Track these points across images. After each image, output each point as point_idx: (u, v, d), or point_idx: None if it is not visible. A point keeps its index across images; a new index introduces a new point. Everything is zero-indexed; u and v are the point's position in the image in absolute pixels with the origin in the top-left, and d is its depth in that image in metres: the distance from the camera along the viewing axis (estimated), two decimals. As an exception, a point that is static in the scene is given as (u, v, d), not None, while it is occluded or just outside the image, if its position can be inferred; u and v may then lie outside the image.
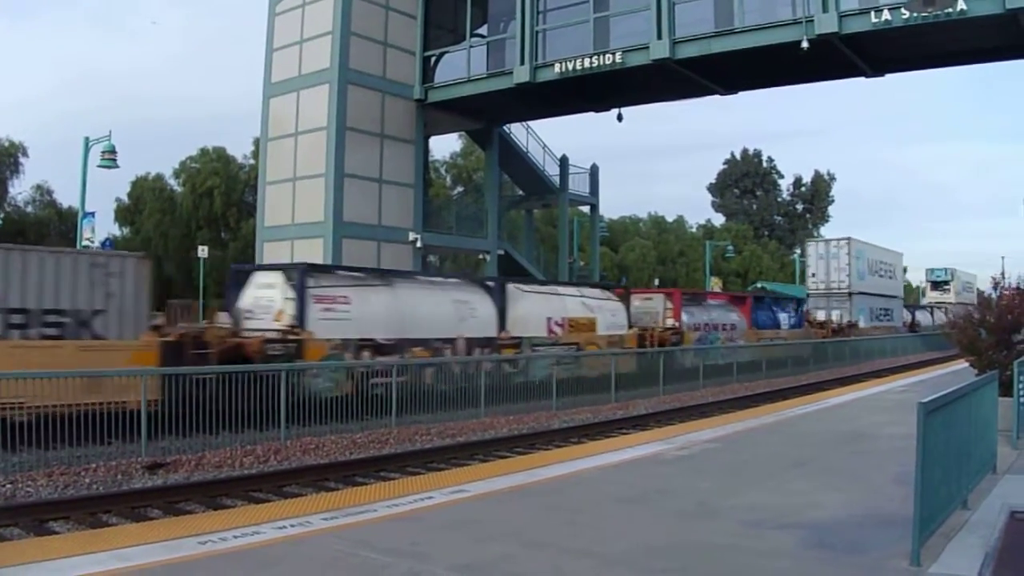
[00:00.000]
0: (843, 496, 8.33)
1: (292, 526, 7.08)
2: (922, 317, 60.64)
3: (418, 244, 30.10)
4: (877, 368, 32.61)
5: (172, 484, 11.12)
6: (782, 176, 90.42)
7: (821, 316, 42.14)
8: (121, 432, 12.23)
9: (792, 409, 16.89)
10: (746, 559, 6.25)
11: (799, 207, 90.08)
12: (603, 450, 11.83)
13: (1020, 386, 11.47)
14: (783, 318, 34.55)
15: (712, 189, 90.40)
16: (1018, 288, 14.10)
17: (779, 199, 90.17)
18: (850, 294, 44.82)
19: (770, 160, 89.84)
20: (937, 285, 78.32)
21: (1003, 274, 15.18)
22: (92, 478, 11.06)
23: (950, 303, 69.55)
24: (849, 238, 46.19)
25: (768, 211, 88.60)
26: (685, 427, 14.78)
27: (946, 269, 78.88)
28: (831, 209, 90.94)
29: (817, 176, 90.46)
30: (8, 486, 10.44)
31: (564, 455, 11.93)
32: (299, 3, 29.35)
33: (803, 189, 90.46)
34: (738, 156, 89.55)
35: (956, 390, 6.90)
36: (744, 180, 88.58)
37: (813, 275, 46.57)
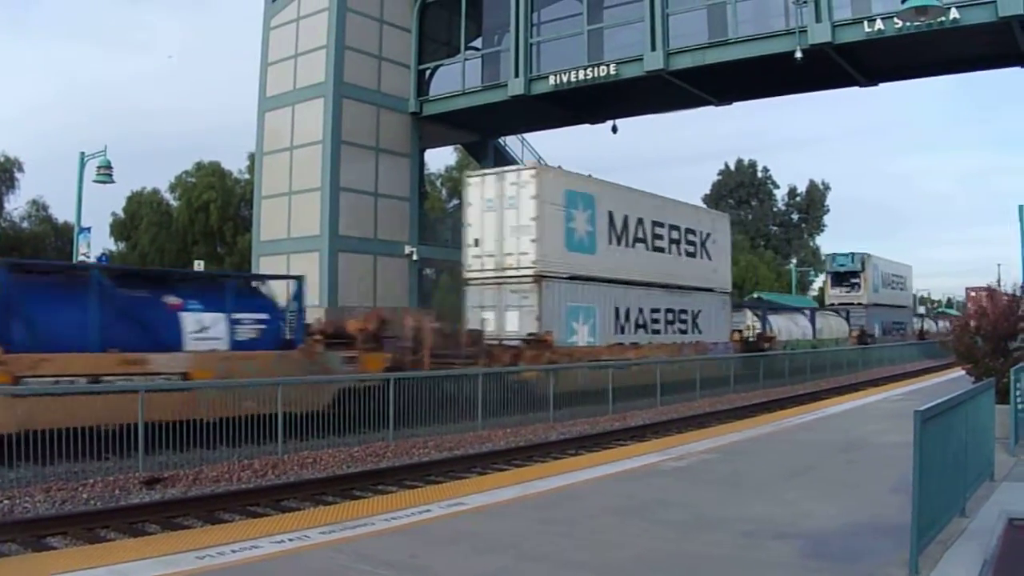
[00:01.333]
0: (841, 505, 8.33)
1: (290, 540, 7.06)
2: (787, 326, 38.92)
3: (414, 257, 30.14)
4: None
5: (170, 499, 11.09)
6: (777, 186, 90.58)
7: (484, 321, 22.59)
8: (118, 447, 12.21)
9: (789, 419, 16.89)
10: (744, 570, 6.25)
11: (794, 217, 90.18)
12: (601, 462, 11.82)
13: (1017, 393, 11.50)
14: (194, 324, 15.10)
15: (707, 200, 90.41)
16: (1013, 294, 14.15)
17: (774, 209, 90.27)
18: (538, 278, 22.02)
19: (765, 170, 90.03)
20: (841, 279, 54.84)
21: (999, 281, 15.17)
22: (90, 493, 11.03)
23: (860, 304, 51.98)
24: (536, 167, 23.70)
25: (763, 221, 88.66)
26: (682, 438, 14.79)
27: (853, 254, 54.93)
28: (826, 219, 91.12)
29: (812, 186, 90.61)
30: (6, 502, 10.40)
31: (562, 467, 11.93)
32: (293, 17, 29.47)
33: (798, 199, 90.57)
34: (732, 166, 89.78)
35: (952, 398, 6.91)
36: (739, 190, 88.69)
37: (475, 243, 23.31)
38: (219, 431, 13.19)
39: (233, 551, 6.68)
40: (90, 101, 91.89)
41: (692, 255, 29.36)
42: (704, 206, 32.00)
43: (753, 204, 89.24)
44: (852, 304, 51.38)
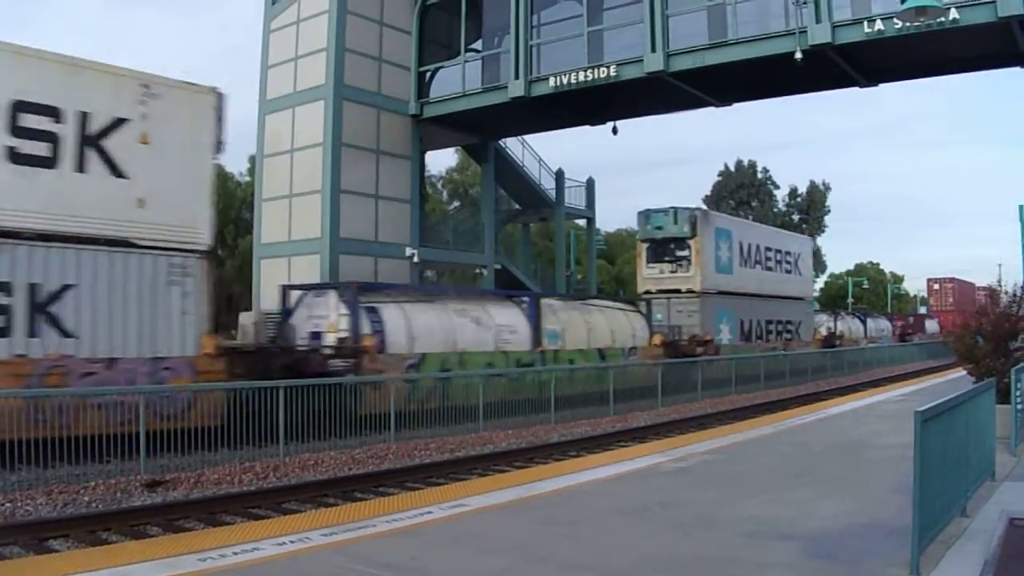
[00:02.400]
0: (842, 506, 8.33)
1: (291, 542, 7.07)
2: (442, 329, 20.29)
3: (415, 259, 30.10)
4: None
5: (171, 501, 11.11)
6: (777, 187, 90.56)
7: None
8: (120, 450, 12.23)
9: (790, 419, 16.89)
10: (747, 570, 6.25)
11: (795, 217, 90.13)
12: (602, 463, 11.83)
13: (1017, 393, 11.50)
14: None
15: (707, 201, 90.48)
16: (1013, 295, 14.14)
17: (775, 210, 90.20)
18: None
19: (765, 171, 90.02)
20: (660, 250, 33.08)
21: (999, 281, 15.12)
22: (91, 496, 11.04)
23: (690, 291, 32.10)
24: None
25: (764, 222, 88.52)
26: (683, 439, 14.78)
27: (676, 211, 33.09)
28: (827, 219, 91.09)
29: (812, 186, 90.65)
30: (7, 504, 10.42)
31: (563, 468, 11.93)
32: (294, 20, 29.45)
33: (798, 199, 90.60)
34: (733, 167, 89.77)
35: (953, 398, 6.92)
36: (739, 191, 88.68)
37: None
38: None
39: (235, 553, 6.69)
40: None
41: (44, 163, 13.79)
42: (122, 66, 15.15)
43: (754, 205, 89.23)
44: (677, 292, 32.22)
